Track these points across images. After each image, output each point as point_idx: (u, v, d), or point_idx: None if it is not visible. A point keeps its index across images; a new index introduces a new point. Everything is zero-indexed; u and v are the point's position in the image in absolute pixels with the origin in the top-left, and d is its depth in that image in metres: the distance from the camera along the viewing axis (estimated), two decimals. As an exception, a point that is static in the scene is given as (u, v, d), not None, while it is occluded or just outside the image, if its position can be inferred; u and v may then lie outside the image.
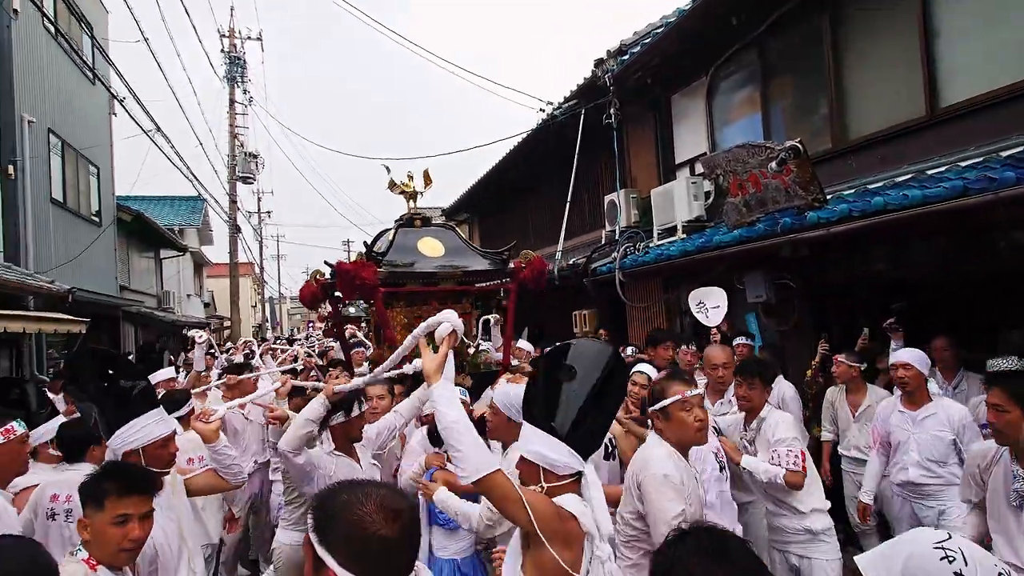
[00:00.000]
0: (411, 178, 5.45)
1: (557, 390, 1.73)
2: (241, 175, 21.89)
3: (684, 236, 6.86)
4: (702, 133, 7.54)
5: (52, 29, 10.85)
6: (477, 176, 13.71)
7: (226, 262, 22.32)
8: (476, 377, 4.73)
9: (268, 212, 40.91)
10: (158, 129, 10.53)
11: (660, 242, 7.20)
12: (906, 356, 3.61)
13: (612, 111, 8.39)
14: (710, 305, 4.86)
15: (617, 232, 8.18)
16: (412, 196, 5.39)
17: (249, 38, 23.32)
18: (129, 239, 15.71)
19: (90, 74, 12.59)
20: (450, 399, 1.70)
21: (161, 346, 14.22)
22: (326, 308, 5.72)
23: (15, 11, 9.31)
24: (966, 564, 1.09)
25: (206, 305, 26.80)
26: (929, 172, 4.44)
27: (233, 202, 21.52)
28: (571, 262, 8.40)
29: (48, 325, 8.01)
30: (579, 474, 1.74)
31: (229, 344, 16.56)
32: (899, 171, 4.79)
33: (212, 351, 8.12)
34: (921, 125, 4.84)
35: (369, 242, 5.12)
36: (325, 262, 5.29)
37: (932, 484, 3.50)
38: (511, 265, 5.33)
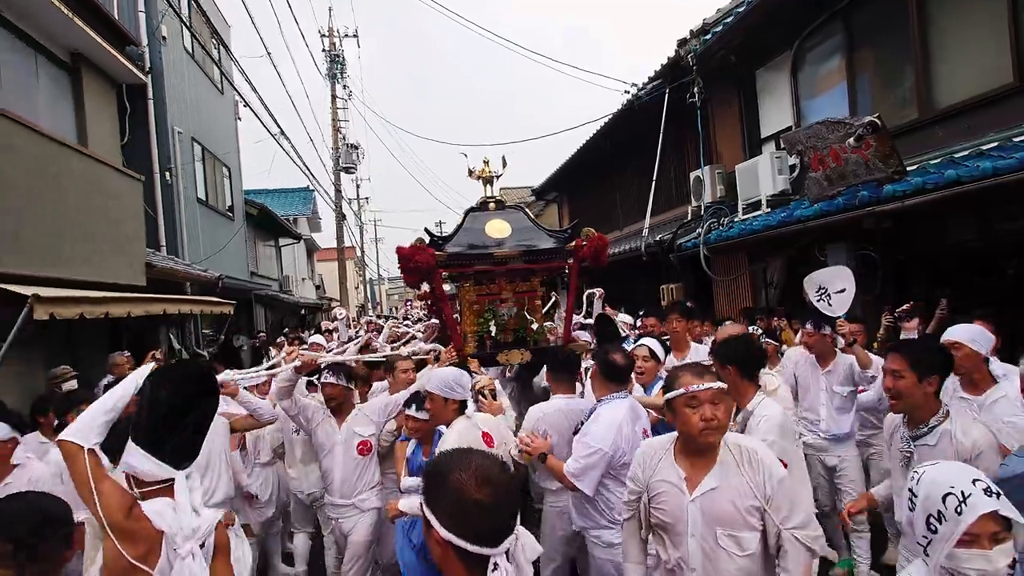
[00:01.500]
0: (487, 163, 5.58)
1: (151, 409, 1.95)
2: (344, 166, 23.57)
3: (769, 210, 7.09)
4: (787, 106, 7.65)
5: (190, 48, 12.43)
6: (564, 157, 14.21)
7: (333, 247, 24.23)
8: (537, 352, 4.82)
9: (366, 198, 43.38)
10: (282, 132, 11.83)
11: (745, 216, 7.45)
12: (957, 333, 3.11)
13: (695, 89, 8.62)
14: (834, 290, 4.01)
15: (703, 208, 8.46)
16: (488, 181, 5.53)
17: (346, 35, 24.78)
18: (255, 230, 17.59)
19: (220, 85, 14.24)
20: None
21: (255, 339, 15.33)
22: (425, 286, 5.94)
23: (163, 38, 10.82)
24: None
25: (317, 287, 29.20)
26: (1015, 140, 4.51)
27: (338, 191, 23.28)
28: (657, 238, 8.78)
29: (204, 307, 9.49)
30: (171, 480, 1.94)
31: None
32: (985, 139, 4.86)
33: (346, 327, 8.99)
34: (1008, 92, 4.86)
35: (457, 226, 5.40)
36: (425, 229, 5.76)
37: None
38: (572, 243, 5.29)
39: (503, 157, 5.73)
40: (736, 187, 7.76)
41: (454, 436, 3.03)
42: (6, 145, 5.17)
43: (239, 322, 14.30)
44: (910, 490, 1.57)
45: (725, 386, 2.17)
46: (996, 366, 3.23)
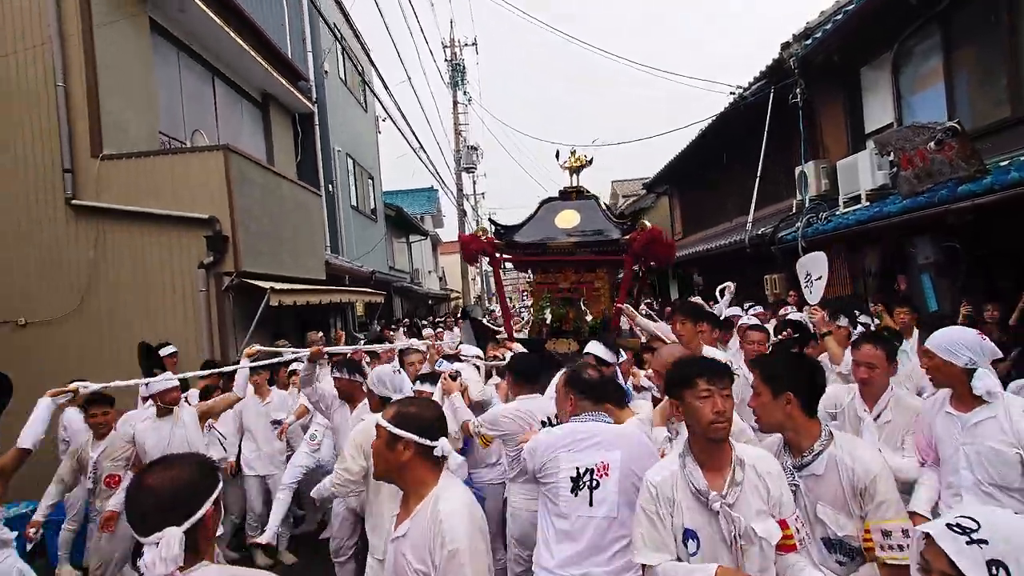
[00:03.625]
0: (573, 154, 5.70)
1: None
2: (465, 166, 25.52)
3: (867, 204, 7.57)
4: (889, 103, 8.02)
5: (343, 77, 14.59)
6: (674, 153, 14.90)
7: (455, 240, 26.37)
8: (584, 344, 4.59)
9: (482, 194, 45.84)
10: (421, 146, 13.62)
11: (845, 210, 7.96)
12: (931, 339, 2.59)
13: (798, 90, 9.13)
14: (814, 276, 4.04)
15: (807, 201, 8.99)
16: (575, 170, 5.63)
17: (466, 45, 26.67)
18: (392, 228, 19.87)
19: (363, 104, 16.43)
20: None
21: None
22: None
23: (326, 72, 12.95)
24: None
25: (440, 279, 31.69)
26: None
27: (460, 190, 25.28)
28: (759, 231, 9.41)
29: (364, 297, 11.44)
30: None
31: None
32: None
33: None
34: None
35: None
36: (489, 219, 6.04)
37: None
38: (626, 236, 5.24)
39: (592, 147, 6.39)
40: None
41: (359, 426, 3.14)
42: (244, 178, 7.07)
43: (381, 311, 16.48)
44: (960, 526, 1.16)
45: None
46: (984, 382, 2.49)
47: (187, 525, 1.38)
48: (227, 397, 4.57)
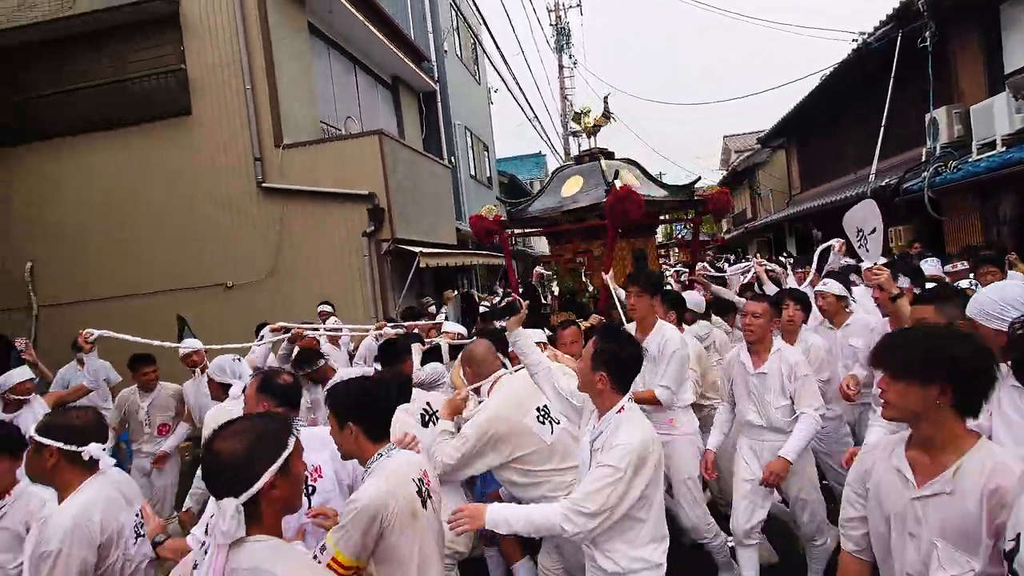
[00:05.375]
0: (587, 114, 5.18)
1: None
2: (572, 130, 25.84)
3: (1003, 149, 7.32)
4: (1033, 41, 7.59)
5: (459, 54, 15.49)
6: (788, 106, 14.48)
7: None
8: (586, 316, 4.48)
9: (587, 155, 45.92)
10: (535, 116, 14.29)
11: (978, 157, 7.72)
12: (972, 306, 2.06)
13: (928, 32, 8.77)
14: (867, 230, 3.15)
15: (937, 149, 8.71)
16: (590, 133, 5.19)
17: (570, 7, 26.63)
18: (506, 195, 20.87)
19: (476, 76, 17.30)
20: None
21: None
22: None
23: (445, 51, 13.89)
24: None
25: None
26: None
27: (568, 155, 25.69)
28: (884, 183, 9.25)
29: (483, 259, 12.49)
30: None
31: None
32: None
33: None
34: None
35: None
36: (498, 197, 6.04)
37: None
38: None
39: (605, 100, 5.24)
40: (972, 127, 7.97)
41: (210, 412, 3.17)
42: (394, 157, 8.18)
43: (501, 272, 17.60)
44: None
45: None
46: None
47: (245, 497, 1.32)
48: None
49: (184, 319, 6.64)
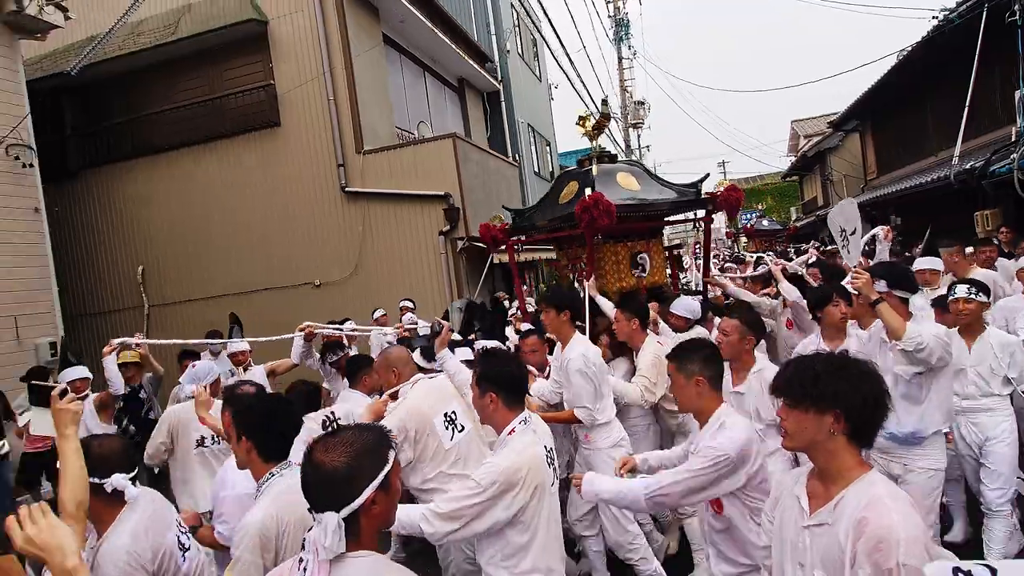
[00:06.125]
0: (586, 119, 5.10)
1: None
2: (632, 122, 25.69)
3: (1103, 127, 6.94)
4: None
5: (521, 52, 15.77)
6: (859, 89, 13.97)
7: (719, 181, 26.74)
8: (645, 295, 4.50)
9: (647, 147, 45.13)
10: (601, 113, 14.40)
11: (1073, 136, 7.34)
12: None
13: (1017, 7, 8.35)
14: (848, 231, 3.12)
15: (1027, 128, 8.30)
16: (592, 136, 5.08)
17: (628, -3, 26.40)
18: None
19: (538, 73, 17.53)
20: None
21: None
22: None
23: (507, 51, 14.20)
24: None
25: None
26: None
27: (628, 146, 25.57)
28: (968, 165, 8.88)
29: (547, 254, 12.74)
30: None
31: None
32: None
33: None
34: None
35: None
36: (504, 207, 5.83)
37: None
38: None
39: (604, 103, 5.17)
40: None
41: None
42: (466, 158, 8.55)
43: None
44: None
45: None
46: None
47: (346, 512, 1.30)
48: (286, 361, 5.03)
49: (237, 317, 7.05)
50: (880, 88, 13.35)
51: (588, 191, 4.24)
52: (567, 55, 16.97)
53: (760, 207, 28.33)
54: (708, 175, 5.45)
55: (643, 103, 26.33)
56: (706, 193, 4.92)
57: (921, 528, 1.36)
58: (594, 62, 61.17)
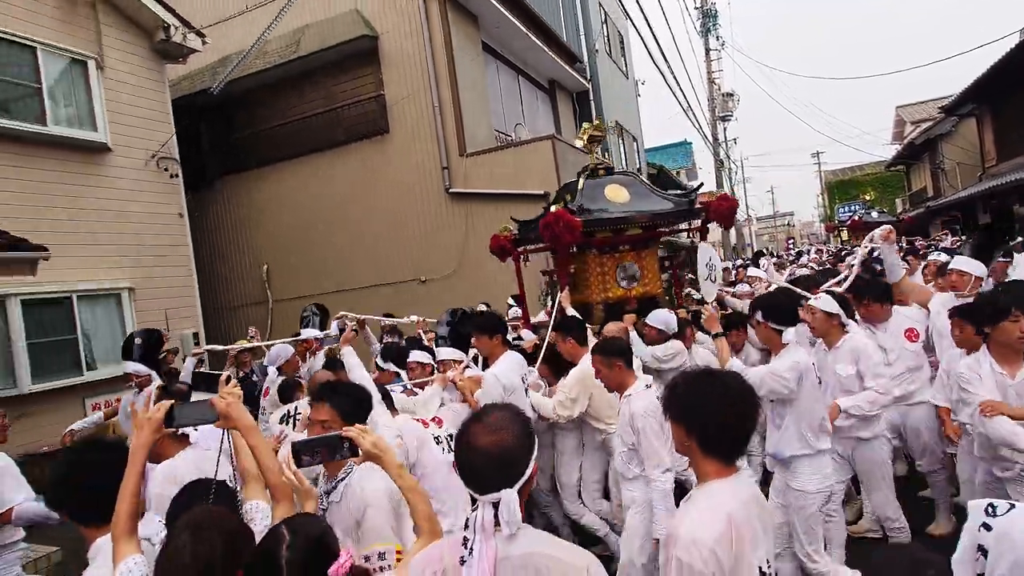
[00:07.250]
0: (585, 132, 5.32)
1: None
2: (721, 115, 25.02)
3: None
4: None
5: (608, 50, 15.87)
6: (967, 78, 13.04)
7: (710, 191, 26.17)
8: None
9: (735, 139, 43.65)
10: (688, 106, 14.28)
11: None
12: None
13: None
14: (710, 273, 4.06)
15: None
16: (588, 149, 5.32)
17: (716, -13, 25.73)
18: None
19: (625, 71, 17.54)
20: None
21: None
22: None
23: (596, 51, 14.35)
24: None
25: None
26: None
27: (716, 140, 24.92)
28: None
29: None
30: None
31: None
32: None
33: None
34: None
35: None
36: (512, 218, 5.85)
37: None
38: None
39: (594, 126, 5.25)
40: None
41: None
42: (563, 158, 8.83)
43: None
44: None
45: None
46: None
47: (518, 486, 1.36)
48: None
49: (319, 307, 7.32)
50: (1001, 68, 12.43)
51: (553, 208, 4.41)
52: (659, 48, 16.81)
53: (866, 198, 26.78)
54: (702, 184, 5.66)
55: (732, 95, 25.60)
56: (699, 203, 4.91)
57: (710, 533, 1.48)
58: (683, 55, 59.87)
